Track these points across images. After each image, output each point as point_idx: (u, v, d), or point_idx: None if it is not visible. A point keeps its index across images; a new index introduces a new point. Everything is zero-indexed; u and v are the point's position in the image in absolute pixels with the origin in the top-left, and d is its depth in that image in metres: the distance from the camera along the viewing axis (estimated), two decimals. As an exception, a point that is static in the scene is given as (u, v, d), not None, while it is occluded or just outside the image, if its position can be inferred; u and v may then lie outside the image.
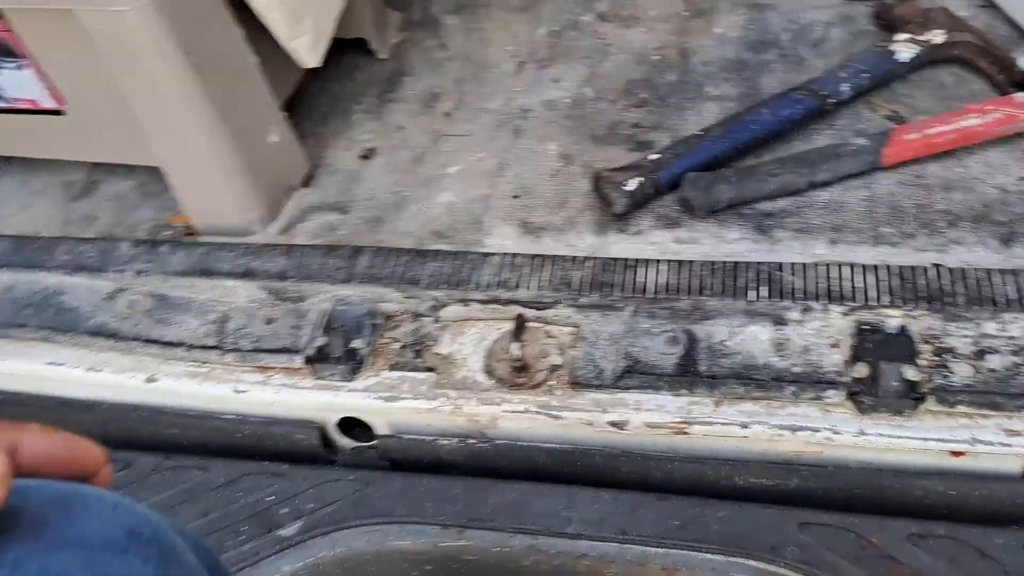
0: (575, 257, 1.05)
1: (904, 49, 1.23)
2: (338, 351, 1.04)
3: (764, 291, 0.99)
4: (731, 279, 1.00)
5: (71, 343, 1.13)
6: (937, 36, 1.24)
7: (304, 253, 1.12)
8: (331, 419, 1.05)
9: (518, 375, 0.99)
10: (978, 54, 1.23)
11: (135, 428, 1.11)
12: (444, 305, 1.06)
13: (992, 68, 1.22)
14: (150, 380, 1.09)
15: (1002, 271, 0.96)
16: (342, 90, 1.42)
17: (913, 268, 0.98)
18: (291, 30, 1.11)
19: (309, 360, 1.04)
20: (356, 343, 1.05)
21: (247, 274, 1.11)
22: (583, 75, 1.37)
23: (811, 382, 0.93)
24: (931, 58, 1.24)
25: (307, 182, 1.26)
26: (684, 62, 1.36)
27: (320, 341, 1.05)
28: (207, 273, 1.12)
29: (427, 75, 1.42)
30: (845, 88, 1.19)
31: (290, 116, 1.29)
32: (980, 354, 0.92)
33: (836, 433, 0.90)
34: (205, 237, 1.20)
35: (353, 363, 1.03)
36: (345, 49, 1.45)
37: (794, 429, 0.91)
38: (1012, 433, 0.87)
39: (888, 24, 1.32)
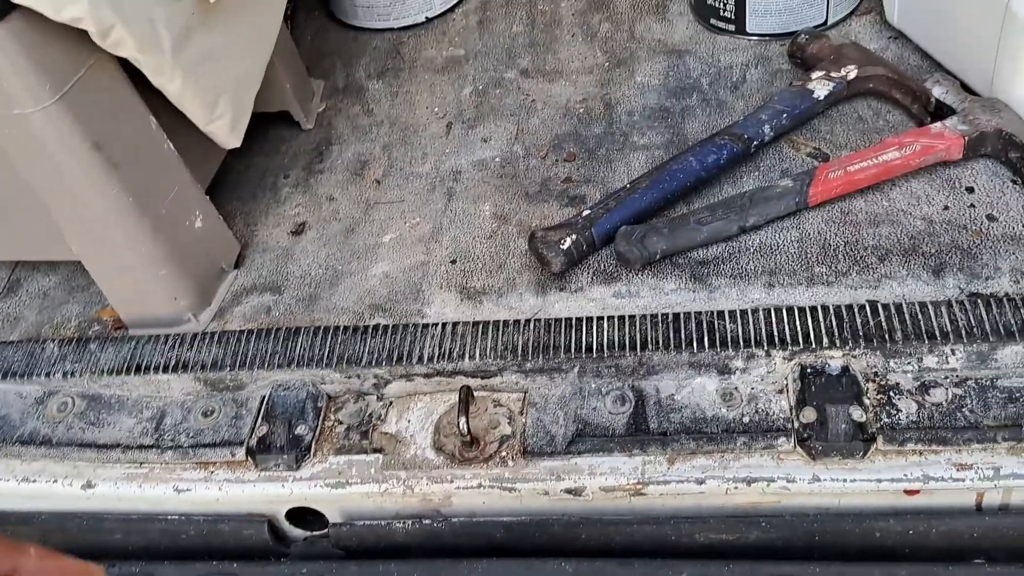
0: (517, 320, 1.04)
1: (820, 86, 1.26)
2: (281, 439, 1.01)
3: (707, 341, 0.98)
4: (673, 331, 1.00)
5: (2, 454, 1.08)
6: (851, 71, 1.27)
7: (239, 339, 1.08)
8: (279, 511, 1.02)
9: (468, 449, 0.97)
10: (892, 86, 1.26)
11: (75, 537, 1.06)
12: (387, 382, 1.04)
13: (907, 99, 1.25)
14: (87, 486, 1.04)
15: (935, 303, 0.97)
16: (269, 164, 1.40)
17: (848, 307, 0.98)
18: (208, 113, 1.09)
19: (251, 451, 1.01)
20: (299, 429, 1.02)
21: (181, 366, 1.08)
22: (511, 132, 1.37)
23: (761, 431, 0.93)
24: (847, 93, 1.27)
25: (238, 264, 1.23)
26: (609, 113, 1.37)
27: (262, 430, 1.02)
28: (140, 368, 1.08)
29: (355, 142, 1.41)
30: (767, 129, 1.21)
31: (216, 196, 1.26)
32: (923, 388, 0.93)
33: (791, 481, 0.90)
34: (135, 330, 1.16)
35: (298, 451, 1.00)
36: (270, 122, 1.44)
37: (749, 481, 0.91)
38: (962, 467, 0.87)
39: (803, 62, 1.35)
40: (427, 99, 1.48)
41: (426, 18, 1.63)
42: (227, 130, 1.13)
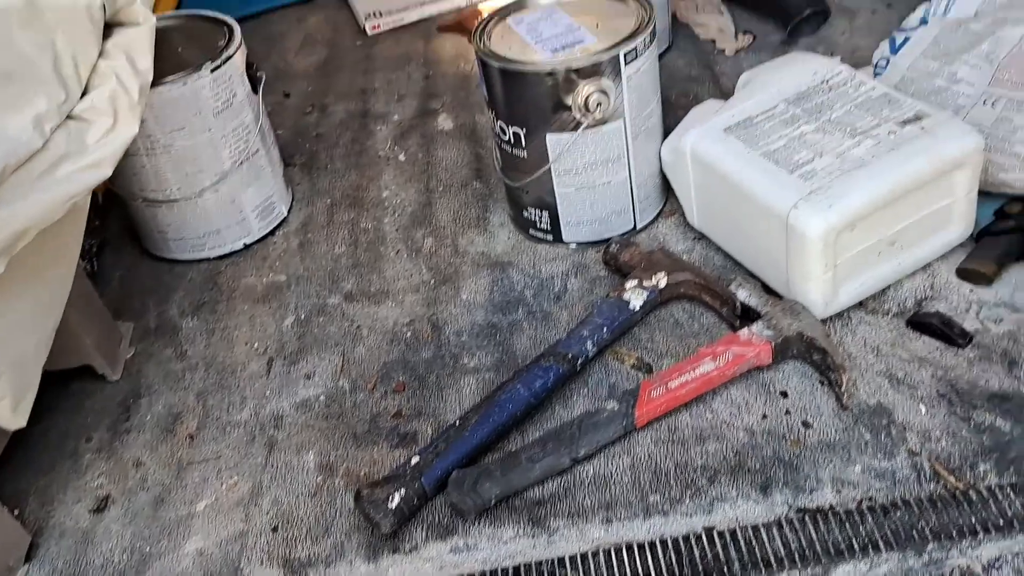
0: (346, 597, 0.96)
1: (635, 296, 1.29)
2: None
3: (549, 595, 0.93)
4: (514, 588, 0.94)
5: None
6: (661, 279, 1.31)
7: (23, 661, 0.93)
8: None
9: None
10: (700, 291, 1.32)
11: None
12: None
13: (715, 302, 1.30)
14: None
15: (767, 524, 0.97)
16: (70, 426, 1.27)
17: (686, 537, 0.97)
18: (-19, 405, 0.98)
19: None
20: None
21: None
22: (336, 365, 1.32)
23: None
24: (662, 299, 1.31)
25: (29, 557, 1.08)
26: (437, 335, 1.35)
27: None
28: None
29: (166, 392, 1.31)
30: (589, 345, 1.22)
31: (6, 472, 1.13)
32: (767, 624, 0.91)
33: None
34: None
35: None
36: (71, 375, 1.32)
37: None
38: None
39: (617, 269, 1.39)
40: (246, 333, 1.41)
41: (244, 244, 1.59)
42: (8, 413, 1.02)
